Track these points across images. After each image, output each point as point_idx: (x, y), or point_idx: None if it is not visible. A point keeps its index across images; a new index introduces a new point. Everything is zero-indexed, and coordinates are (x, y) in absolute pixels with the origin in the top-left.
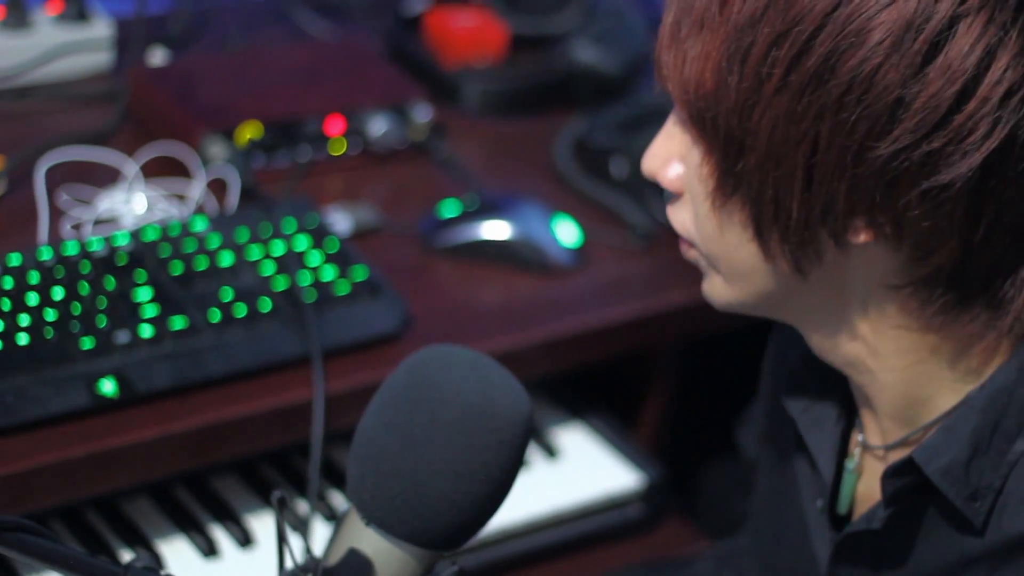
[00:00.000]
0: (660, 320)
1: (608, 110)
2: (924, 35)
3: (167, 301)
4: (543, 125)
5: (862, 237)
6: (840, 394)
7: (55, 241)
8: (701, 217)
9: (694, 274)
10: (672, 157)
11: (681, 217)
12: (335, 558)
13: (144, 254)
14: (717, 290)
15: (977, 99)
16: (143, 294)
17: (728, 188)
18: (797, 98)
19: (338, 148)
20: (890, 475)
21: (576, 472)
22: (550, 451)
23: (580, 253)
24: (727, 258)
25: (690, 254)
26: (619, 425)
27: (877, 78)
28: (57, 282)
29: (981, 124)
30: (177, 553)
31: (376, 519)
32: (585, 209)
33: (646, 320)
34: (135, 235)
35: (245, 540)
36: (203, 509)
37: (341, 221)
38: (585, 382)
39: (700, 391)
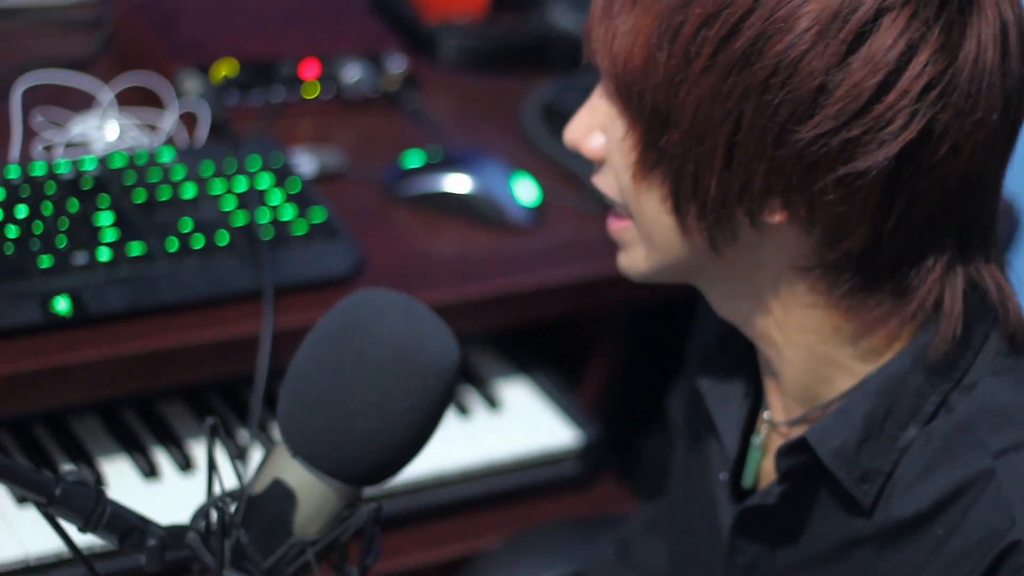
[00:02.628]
0: (611, 283)
1: (579, 76)
2: (850, 25)
3: (127, 227)
4: (515, 85)
5: (777, 218)
6: (749, 372)
7: (24, 160)
8: (622, 188)
9: None
10: (594, 128)
11: (607, 185)
12: (260, 487)
13: (109, 180)
14: (635, 261)
15: (897, 91)
16: (104, 218)
17: (650, 161)
18: (723, 78)
19: (311, 92)
20: (784, 453)
21: (516, 425)
22: (492, 402)
23: (538, 212)
24: (645, 229)
25: (616, 228)
26: (563, 383)
27: (802, 64)
28: (21, 200)
29: (899, 115)
30: (119, 472)
31: (302, 451)
32: (547, 170)
33: (597, 282)
34: (103, 161)
35: (186, 464)
36: (148, 432)
37: (306, 163)
38: (533, 339)
39: (645, 356)
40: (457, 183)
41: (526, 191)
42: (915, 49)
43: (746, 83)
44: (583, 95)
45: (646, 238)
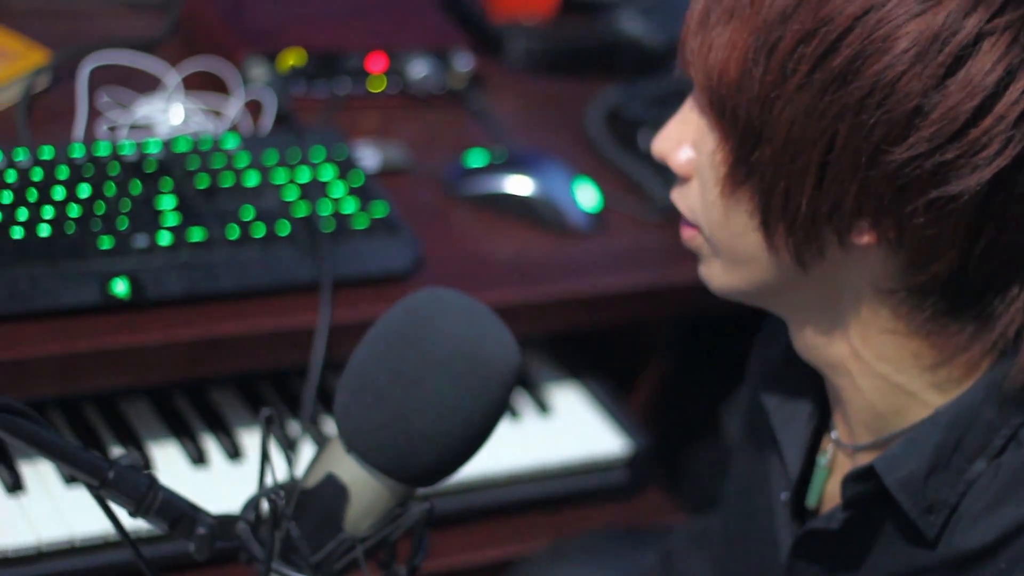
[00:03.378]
0: (668, 293)
1: (645, 82)
2: (949, 48)
3: (188, 212)
4: (580, 89)
5: (865, 238)
6: (815, 392)
7: (89, 140)
8: (708, 203)
9: None
10: (684, 141)
11: (688, 201)
12: (313, 481)
13: (173, 164)
14: (716, 275)
15: (994, 116)
16: (166, 202)
17: (740, 177)
18: (819, 96)
19: (377, 85)
20: (851, 479)
21: (565, 430)
22: (543, 407)
23: (598, 218)
24: (730, 245)
25: (691, 239)
26: (615, 391)
27: (899, 85)
28: (85, 180)
29: (995, 140)
30: (167, 457)
31: (356, 448)
32: (609, 176)
33: (654, 291)
34: (167, 144)
35: (235, 453)
36: (198, 418)
37: (369, 157)
38: (587, 344)
39: (699, 368)
40: (519, 185)
41: (587, 196)
42: (1013, 75)
43: (842, 102)
44: (648, 103)
45: (729, 254)
